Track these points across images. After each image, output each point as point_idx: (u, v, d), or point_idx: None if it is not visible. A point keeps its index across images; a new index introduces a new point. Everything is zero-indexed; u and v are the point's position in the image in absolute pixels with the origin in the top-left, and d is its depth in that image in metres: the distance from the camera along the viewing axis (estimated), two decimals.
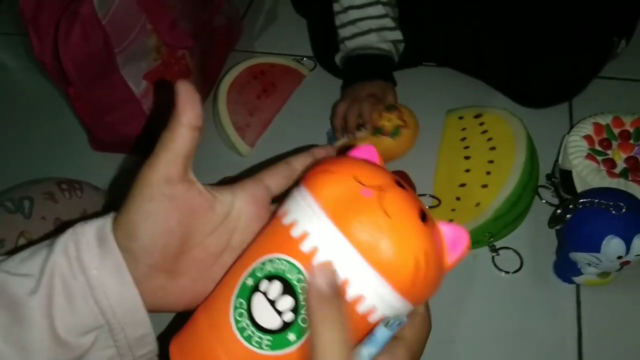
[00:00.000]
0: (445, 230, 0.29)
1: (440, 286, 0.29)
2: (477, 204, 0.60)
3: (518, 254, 0.59)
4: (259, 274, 0.28)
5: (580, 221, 0.51)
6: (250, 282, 0.28)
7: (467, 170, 0.64)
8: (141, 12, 0.62)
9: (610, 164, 0.58)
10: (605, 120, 0.61)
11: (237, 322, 0.28)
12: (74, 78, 0.60)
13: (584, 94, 0.70)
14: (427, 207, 0.62)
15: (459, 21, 0.74)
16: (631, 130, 0.60)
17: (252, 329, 0.27)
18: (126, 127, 0.68)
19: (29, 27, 0.60)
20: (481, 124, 0.68)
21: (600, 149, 0.59)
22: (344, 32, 0.72)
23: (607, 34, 0.71)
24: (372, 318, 0.27)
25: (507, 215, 0.59)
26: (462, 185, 0.63)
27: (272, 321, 0.27)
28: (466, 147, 0.67)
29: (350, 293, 0.26)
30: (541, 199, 0.62)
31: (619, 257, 0.50)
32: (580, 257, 0.52)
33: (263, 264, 0.28)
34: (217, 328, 0.29)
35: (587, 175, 0.57)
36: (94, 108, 0.65)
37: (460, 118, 0.70)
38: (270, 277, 0.27)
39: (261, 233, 0.30)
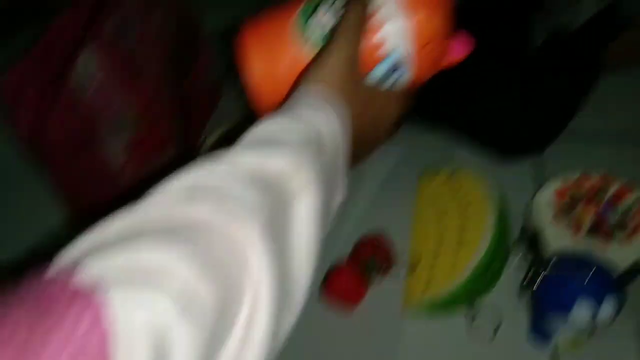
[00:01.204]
0: (459, 36, 0.42)
1: (431, 75, 0.42)
2: (453, 265, 0.61)
3: (494, 316, 0.60)
4: None
5: (551, 285, 0.52)
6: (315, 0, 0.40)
7: (442, 231, 0.66)
8: (122, 87, 0.64)
9: (578, 223, 0.60)
10: (570, 179, 0.63)
11: (299, 21, 0.39)
12: (57, 152, 0.62)
13: (551, 151, 0.73)
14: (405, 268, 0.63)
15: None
16: (597, 187, 0.62)
17: (308, 28, 0.39)
18: (105, 199, 0.69)
19: (11, 103, 0.62)
20: (453, 184, 0.70)
21: (567, 208, 0.61)
22: None
23: (574, 95, 0.75)
24: (385, 47, 0.38)
25: (482, 277, 0.60)
26: (438, 244, 0.64)
27: (323, 27, 0.39)
28: (440, 207, 0.68)
29: (377, 18, 0.38)
30: (514, 258, 0.64)
31: (591, 319, 0.51)
32: (552, 319, 0.53)
33: None
34: (280, 24, 0.40)
35: (555, 236, 0.59)
36: (73, 180, 0.66)
37: (433, 178, 0.72)
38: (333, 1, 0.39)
39: None
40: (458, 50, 0.41)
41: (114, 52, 0.62)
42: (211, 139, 0.75)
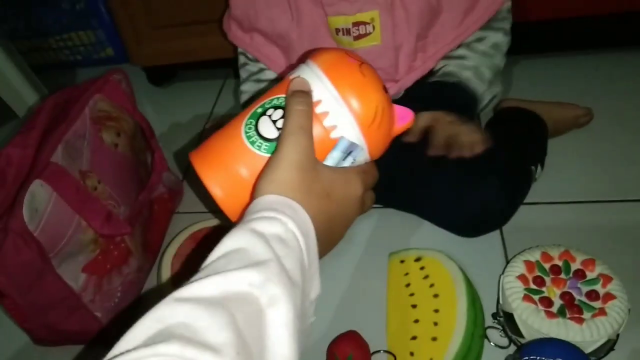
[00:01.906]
0: (397, 107, 0.44)
1: (387, 146, 0.44)
2: None
3: None
4: (267, 106, 0.42)
5: None
6: (259, 110, 0.42)
7: (416, 321, 0.65)
8: (74, 213, 0.63)
9: (547, 302, 0.60)
10: (534, 256, 0.64)
11: (246, 132, 0.42)
12: (9, 290, 0.59)
13: (513, 222, 0.74)
14: None
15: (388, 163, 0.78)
16: (560, 263, 0.63)
17: (257, 137, 0.41)
18: (66, 323, 0.66)
19: None
20: (422, 268, 0.70)
21: (535, 287, 0.62)
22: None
23: (526, 164, 0.77)
24: (334, 134, 0.41)
25: None
26: (414, 338, 0.63)
27: (271, 132, 0.41)
28: (411, 294, 0.68)
29: (319, 109, 0.41)
30: (489, 341, 0.63)
31: None
32: None
33: (271, 100, 0.42)
34: (229, 138, 0.42)
35: (528, 317, 0.59)
36: (31, 312, 0.63)
37: (402, 262, 0.72)
38: (275, 107, 0.42)
39: (272, 87, 0.44)
40: (404, 116, 0.44)
41: (65, 178, 0.61)
42: None
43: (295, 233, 0.36)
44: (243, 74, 0.87)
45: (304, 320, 0.34)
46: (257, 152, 0.41)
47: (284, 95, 0.42)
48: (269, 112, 0.42)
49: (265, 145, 0.41)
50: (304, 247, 0.36)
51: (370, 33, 0.67)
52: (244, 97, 0.87)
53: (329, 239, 0.41)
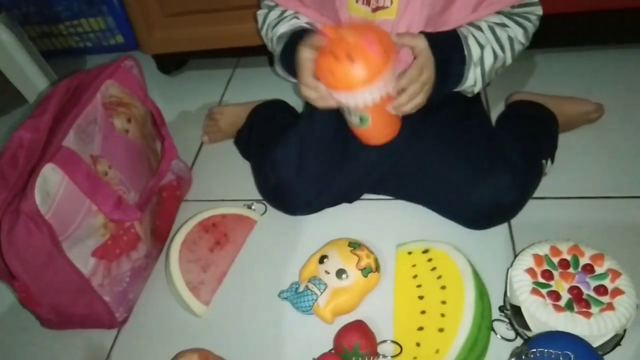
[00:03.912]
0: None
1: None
2: (437, 351, 0.60)
3: None
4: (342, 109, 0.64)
5: None
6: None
7: (423, 312, 0.65)
8: (85, 198, 0.63)
9: (555, 295, 0.60)
10: (543, 250, 0.64)
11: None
12: (20, 273, 0.60)
13: (521, 216, 0.74)
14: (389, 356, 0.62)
15: (397, 152, 0.78)
16: (568, 258, 0.63)
17: None
18: (74, 307, 0.67)
19: None
20: (429, 260, 0.70)
21: (543, 280, 0.62)
22: (273, 42, 0.77)
23: (537, 158, 0.77)
24: None
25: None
26: (420, 329, 0.63)
27: None
28: (418, 286, 0.68)
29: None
30: (496, 334, 0.63)
31: None
32: None
33: None
34: None
35: (535, 311, 0.59)
36: (40, 295, 0.64)
37: (410, 253, 0.72)
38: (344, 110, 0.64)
39: None
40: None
41: (77, 163, 0.61)
42: None
43: None
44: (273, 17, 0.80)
45: None
46: None
47: None
48: None
49: None
50: None
51: (387, 7, 0.67)
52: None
53: None
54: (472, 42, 0.68)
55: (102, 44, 1.30)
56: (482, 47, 0.68)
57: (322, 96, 0.65)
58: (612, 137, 0.85)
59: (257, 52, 0.99)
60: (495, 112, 0.91)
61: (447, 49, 0.67)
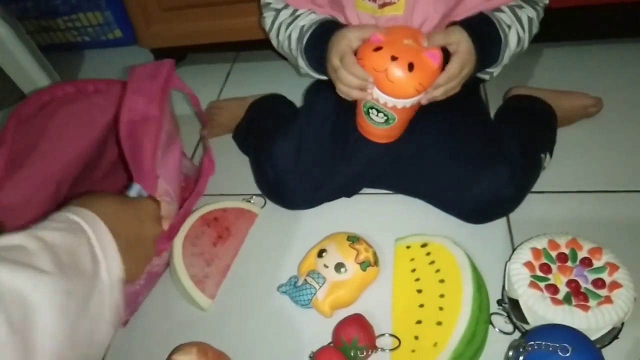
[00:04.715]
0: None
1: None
2: (435, 344, 0.60)
3: None
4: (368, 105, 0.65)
5: None
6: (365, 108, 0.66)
7: (421, 306, 0.65)
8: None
9: (553, 289, 0.60)
10: (541, 244, 0.64)
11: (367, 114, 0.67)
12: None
13: (520, 210, 0.74)
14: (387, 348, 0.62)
15: (396, 146, 0.77)
16: (567, 251, 0.63)
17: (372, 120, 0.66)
18: None
19: None
20: (428, 253, 0.70)
21: (541, 274, 0.62)
22: (292, 38, 0.74)
23: (536, 152, 0.77)
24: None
25: (465, 354, 0.59)
26: (419, 322, 0.64)
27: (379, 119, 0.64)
28: (417, 280, 0.68)
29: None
30: (494, 327, 0.64)
31: None
32: None
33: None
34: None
35: (533, 304, 0.59)
36: None
37: (408, 247, 0.72)
38: (371, 107, 0.65)
39: None
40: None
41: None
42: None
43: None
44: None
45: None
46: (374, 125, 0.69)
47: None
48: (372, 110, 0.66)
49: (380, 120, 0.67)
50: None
51: (394, 2, 0.67)
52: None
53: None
54: (503, 24, 0.68)
55: (100, 38, 1.30)
56: (509, 27, 0.68)
57: (362, 88, 0.64)
58: (611, 131, 0.85)
59: (256, 46, 0.99)
60: (494, 106, 0.91)
61: (485, 36, 0.67)
